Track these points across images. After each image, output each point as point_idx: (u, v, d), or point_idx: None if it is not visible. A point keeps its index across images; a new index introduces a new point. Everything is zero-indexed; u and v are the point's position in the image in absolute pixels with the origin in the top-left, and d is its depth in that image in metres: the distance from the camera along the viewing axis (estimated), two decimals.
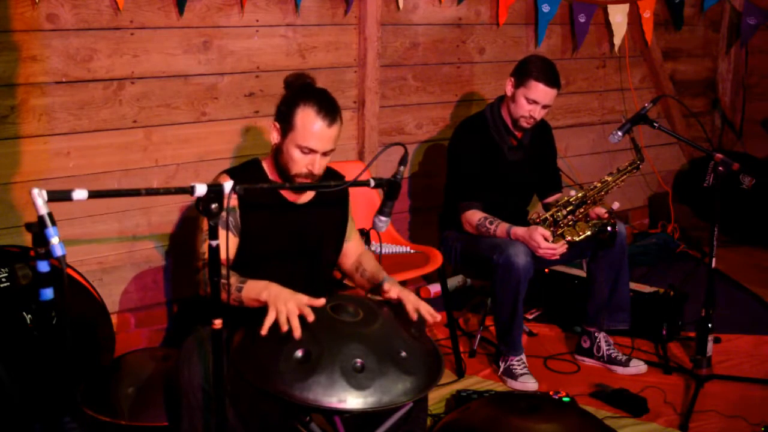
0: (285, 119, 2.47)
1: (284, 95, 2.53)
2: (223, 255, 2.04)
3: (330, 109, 2.45)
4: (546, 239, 3.26)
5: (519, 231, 3.32)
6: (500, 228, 3.37)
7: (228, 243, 2.09)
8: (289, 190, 2.57)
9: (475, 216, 3.44)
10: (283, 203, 2.57)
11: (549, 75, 3.37)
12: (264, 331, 2.13)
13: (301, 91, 2.49)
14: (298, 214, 2.59)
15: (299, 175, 2.47)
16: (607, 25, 4.90)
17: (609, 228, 3.36)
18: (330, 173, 2.70)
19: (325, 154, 2.47)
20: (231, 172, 2.54)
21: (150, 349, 3.41)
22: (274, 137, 2.51)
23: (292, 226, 2.58)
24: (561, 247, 3.29)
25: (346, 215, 2.74)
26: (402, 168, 2.38)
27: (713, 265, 3.25)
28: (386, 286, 2.45)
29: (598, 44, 4.95)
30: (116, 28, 3.22)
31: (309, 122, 2.42)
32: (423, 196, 4.33)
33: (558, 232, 3.35)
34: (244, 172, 2.56)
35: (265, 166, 2.59)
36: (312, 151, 2.44)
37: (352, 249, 2.75)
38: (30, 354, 2.78)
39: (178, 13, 3.34)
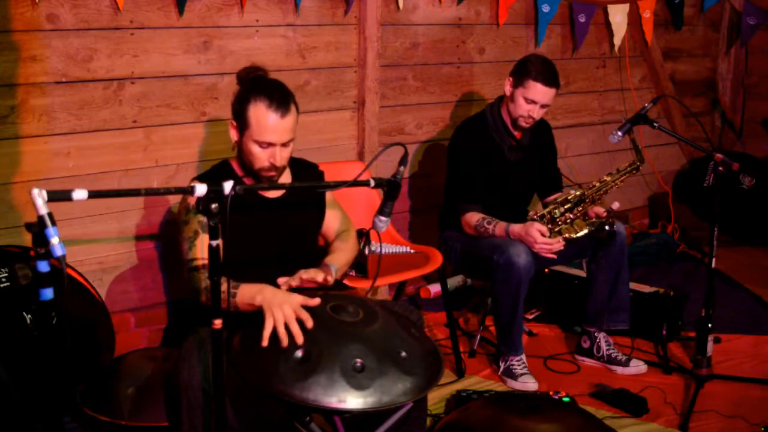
0: (240, 117, 2.48)
1: (236, 92, 2.53)
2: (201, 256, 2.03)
3: (281, 101, 2.44)
4: (542, 234, 3.26)
5: (516, 228, 3.32)
6: (498, 227, 3.37)
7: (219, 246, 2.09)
8: (287, 189, 2.57)
9: (473, 218, 3.44)
10: (257, 200, 2.59)
11: (547, 75, 3.37)
12: (264, 342, 2.12)
13: (251, 86, 2.49)
14: (274, 210, 2.61)
15: (263, 169, 2.49)
16: (607, 25, 4.90)
17: (607, 227, 3.36)
18: (302, 164, 2.73)
19: (284, 145, 2.48)
20: (201, 178, 2.56)
21: (150, 349, 3.41)
22: (234, 135, 2.53)
23: (269, 220, 2.60)
24: (557, 244, 3.28)
25: (322, 208, 2.76)
26: (402, 168, 2.38)
27: (713, 265, 3.25)
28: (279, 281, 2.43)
29: (598, 44, 4.95)
30: (116, 28, 3.22)
31: (262, 117, 2.42)
32: (423, 196, 4.33)
33: (555, 230, 3.35)
34: (216, 174, 2.56)
35: (234, 165, 2.61)
36: (270, 144, 2.45)
37: (329, 238, 2.80)
38: (30, 354, 2.78)
39: (178, 13, 3.35)
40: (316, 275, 2.38)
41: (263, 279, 2.34)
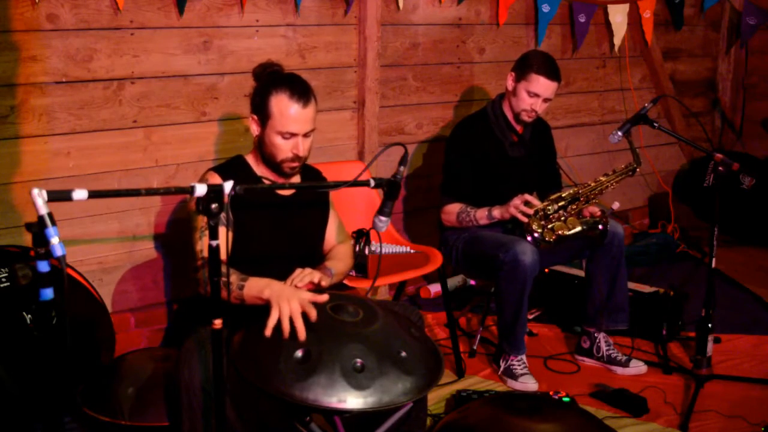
0: (261, 110, 2.52)
1: (255, 87, 2.57)
2: (223, 253, 2.05)
3: (302, 91, 2.49)
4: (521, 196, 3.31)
5: (498, 207, 3.37)
6: (480, 211, 3.41)
7: (227, 240, 2.10)
8: (287, 189, 2.58)
9: (455, 207, 3.48)
10: (270, 196, 2.61)
11: (550, 68, 3.40)
12: (268, 332, 2.13)
13: (271, 79, 2.53)
14: (285, 206, 2.63)
15: (286, 160, 2.53)
16: (607, 25, 4.90)
17: (600, 227, 3.37)
18: (309, 169, 2.76)
19: (306, 135, 2.52)
20: (218, 170, 2.59)
21: (150, 349, 3.41)
22: (255, 129, 2.57)
23: (279, 218, 2.62)
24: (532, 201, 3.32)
25: (327, 209, 2.79)
26: (402, 168, 2.39)
27: (713, 265, 3.25)
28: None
29: (598, 44, 4.95)
30: (116, 28, 3.22)
31: (284, 107, 2.47)
32: (423, 196, 4.33)
33: (548, 226, 3.35)
34: (231, 168, 2.61)
35: (249, 160, 2.64)
36: (293, 134, 2.49)
37: (329, 242, 2.82)
38: (30, 354, 2.78)
39: (178, 13, 3.34)
40: (312, 276, 2.39)
41: (271, 276, 2.34)
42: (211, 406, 2.23)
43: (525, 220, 3.31)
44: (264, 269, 2.38)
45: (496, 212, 3.39)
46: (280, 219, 2.62)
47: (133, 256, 3.46)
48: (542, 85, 3.39)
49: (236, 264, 2.40)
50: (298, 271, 2.40)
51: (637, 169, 3.48)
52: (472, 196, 3.51)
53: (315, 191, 2.74)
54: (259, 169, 2.62)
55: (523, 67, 3.44)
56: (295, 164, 2.54)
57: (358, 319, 2.23)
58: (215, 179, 2.50)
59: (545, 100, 3.44)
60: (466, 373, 3.48)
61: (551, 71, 3.40)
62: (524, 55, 3.50)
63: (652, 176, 5.45)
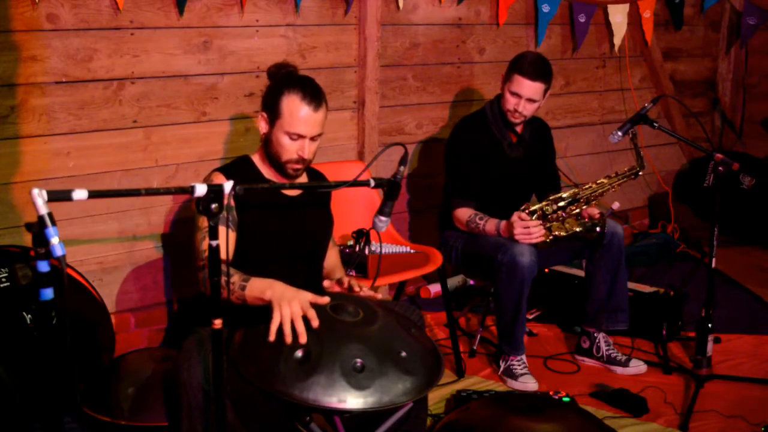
0: (271, 108, 2.52)
1: (269, 85, 2.58)
2: (223, 253, 2.04)
3: (315, 95, 2.51)
4: (521, 219, 3.27)
5: (505, 224, 3.34)
6: (489, 224, 3.39)
7: (228, 240, 2.10)
8: (288, 189, 2.58)
9: (465, 213, 3.46)
10: (276, 197, 2.61)
11: (533, 69, 3.38)
12: (272, 336, 2.12)
13: (285, 79, 2.54)
14: (291, 207, 2.63)
15: (290, 161, 2.53)
16: (607, 25, 4.90)
17: (598, 228, 3.36)
18: (313, 172, 2.77)
19: (313, 138, 2.53)
20: (223, 170, 2.58)
21: (150, 349, 3.41)
22: (263, 127, 2.57)
23: (285, 218, 2.62)
24: (536, 230, 3.27)
25: (330, 212, 2.79)
26: (402, 168, 2.39)
27: (713, 265, 3.25)
28: (326, 284, 2.56)
29: (598, 44, 4.95)
30: (116, 28, 3.22)
31: (295, 108, 2.47)
32: (423, 195, 4.33)
33: (546, 226, 3.35)
34: (236, 169, 2.60)
35: (256, 161, 2.64)
36: (300, 136, 2.50)
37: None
38: (30, 354, 2.78)
39: (178, 13, 3.35)
40: (369, 291, 2.45)
41: (276, 276, 2.34)
42: (211, 406, 2.23)
43: (536, 239, 3.29)
44: (269, 269, 2.38)
45: (504, 233, 3.35)
46: (286, 219, 2.62)
47: (134, 256, 3.46)
48: (524, 85, 3.38)
49: (241, 263, 2.40)
50: (355, 284, 2.49)
51: (640, 173, 3.47)
52: (480, 194, 3.50)
53: (318, 192, 2.74)
54: (265, 169, 2.61)
55: (510, 67, 3.45)
56: (299, 166, 2.54)
57: (358, 319, 2.23)
58: (220, 180, 2.50)
59: (529, 100, 3.42)
60: (466, 373, 3.49)
61: (534, 72, 3.37)
62: (517, 55, 3.49)
63: (652, 176, 5.45)
